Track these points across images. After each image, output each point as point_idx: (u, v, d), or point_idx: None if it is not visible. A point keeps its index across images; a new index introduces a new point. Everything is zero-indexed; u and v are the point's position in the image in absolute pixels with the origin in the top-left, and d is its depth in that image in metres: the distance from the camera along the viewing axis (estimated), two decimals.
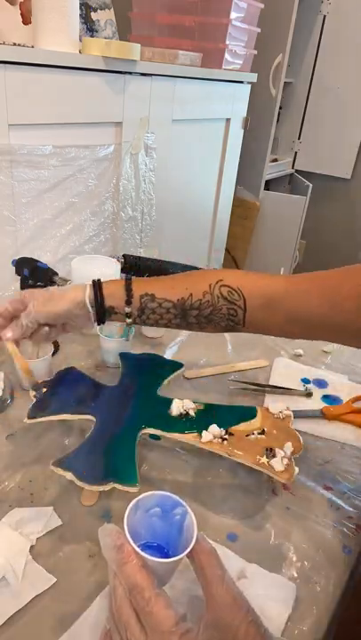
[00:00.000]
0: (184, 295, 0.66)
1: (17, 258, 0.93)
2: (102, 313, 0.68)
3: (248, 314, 0.66)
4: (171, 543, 0.49)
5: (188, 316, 0.67)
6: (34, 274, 0.91)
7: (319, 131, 2.42)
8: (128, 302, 0.67)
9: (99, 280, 0.68)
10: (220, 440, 0.64)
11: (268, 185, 2.36)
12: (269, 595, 0.54)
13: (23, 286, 0.92)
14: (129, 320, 0.68)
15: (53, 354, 0.90)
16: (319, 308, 0.61)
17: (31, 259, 0.93)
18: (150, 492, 0.48)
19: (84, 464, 0.59)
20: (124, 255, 1.20)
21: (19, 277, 0.93)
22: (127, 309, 0.67)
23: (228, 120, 1.56)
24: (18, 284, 1.03)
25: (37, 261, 0.92)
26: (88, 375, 0.78)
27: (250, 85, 1.58)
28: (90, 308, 0.67)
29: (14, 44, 0.94)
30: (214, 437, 0.64)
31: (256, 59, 1.60)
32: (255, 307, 0.65)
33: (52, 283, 0.90)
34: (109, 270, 1.00)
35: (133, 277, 0.68)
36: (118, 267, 1.02)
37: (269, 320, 0.66)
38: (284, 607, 0.53)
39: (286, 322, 0.65)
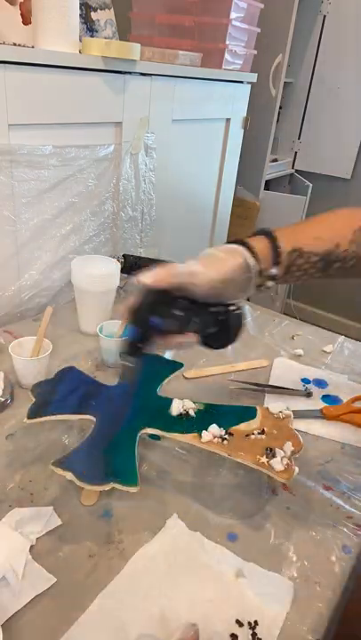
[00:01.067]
0: (330, 247, 0.60)
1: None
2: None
3: None
4: None
5: (330, 269, 0.61)
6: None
7: (319, 131, 2.41)
8: (276, 262, 0.59)
9: (243, 240, 0.60)
10: (220, 440, 0.64)
11: (268, 185, 2.36)
12: (267, 593, 0.54)
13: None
14: (271, 283, 0.60)
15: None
16: None
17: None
18: None
19: (83, 464, 0.59)
20: (124, 255, 1.20)
21: (25, 278, 0.93)
22: (273, 271, 0.59)
23: (228, 120, 1.56)
24: (18, 284, 1.03)
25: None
26: (88, 375, 0.78)
27: (250, 85, 1.57)
28: (254, 271, 0.58)
29: (14, 44, 0.94)
30: (214, 437, 0.64)
31: (256, 59, 1.59)
32: None
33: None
34: (109, 270, 1.00)
35: (276, 230, 0.60)
36: (118, 266, 1.02)
37: None
38: (282, 605, 0.53)
39: None
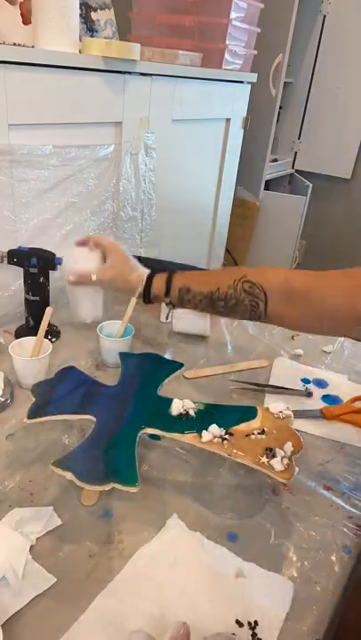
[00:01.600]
0: (212, 289, 0.78)
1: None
2: (148, 297, 0.85)
3: (270, 307, 0.74)
4: None
5: (217, 306, 0.78)
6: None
7: (319, 131, 2.42)
8: (167, 294, 0.82)
9: (152, 273, 0.85)
10: (220, 440, 0.64)
11: (268, 185, 2.36)
12: (267, 593, 0.54)
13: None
14: (169, 304, 0.84)
15: (55, 339, 0.93)
16: (344, 306, 0.69)
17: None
18: None
19: (83, 464, 0.59)
20: None
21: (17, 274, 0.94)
22: (166, 299, 0.83)
23: (228, 120, 1.56)
24: (18, 284, 1.03)
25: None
26: (88, 375, 0.78)
27: (250, 85, 1.57)
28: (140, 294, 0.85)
29: (14, 44, 0.94)
30: (214, 437, 0.64)
31: (256, 59, 1.59)
32: (277, 300, 0.73)
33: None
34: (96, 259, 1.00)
35: (176, 272, 0.83)
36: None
37: (293, 314, 0.73)
38: (282, 605, 0.53)
39: (314, 318, 0.72)
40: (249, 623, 0.51)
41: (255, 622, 0.51)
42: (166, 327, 1.07)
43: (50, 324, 0.90)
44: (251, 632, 0.50)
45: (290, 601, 0.54)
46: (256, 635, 0.50)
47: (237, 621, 0.51)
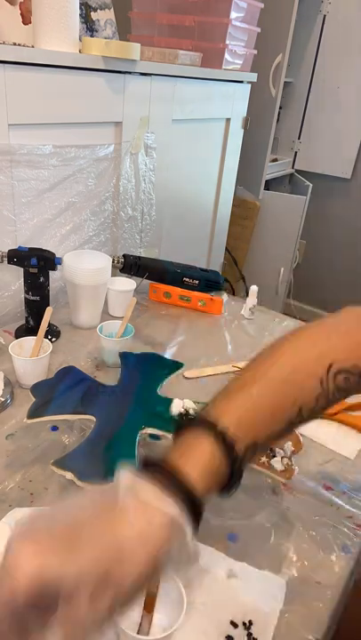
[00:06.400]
0: (292, 417, 0.45)
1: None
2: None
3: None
4: None
5: (292, 429, 0.48)
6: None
7: (319, 131, 2.41)
8: (237, 477, 0.43)
9: (171, 469, 0.41)
10: None
11: (268, 185, 2.36)
12: (260, 592, 0.54)
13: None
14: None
15: (55, 339, 0.92)
16: None
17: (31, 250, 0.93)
18: None
19: (84, 464, 0.59)
20: (124, 255, 1.20)
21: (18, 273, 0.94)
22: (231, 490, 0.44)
23: (228, 120, 1.56)
24: (18, 284, 1.03)
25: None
26: (88, 375, 0.78)
27: (250, 85, 1.57)
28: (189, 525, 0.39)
29: (14, 44, 0.94)
30: None
31: (256, 59, 1.59)
32: None
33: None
34: (101, 264, 1.01)
35: (225, 427, 0.42)
36: (109, 260, 1.03)
37: None
38: (275, 602, 0.53)
39: None
40: (244, 623, 0.51)
41: (250, 622, 0.51)
42: (167, 325, 1.07)
43: (50, 324, 0.90)
44: (246, 632, 0.50)
45: (282, 598, 0.54)
46: (251, 634, 0.50)
47: (232, 622, 0.51)
